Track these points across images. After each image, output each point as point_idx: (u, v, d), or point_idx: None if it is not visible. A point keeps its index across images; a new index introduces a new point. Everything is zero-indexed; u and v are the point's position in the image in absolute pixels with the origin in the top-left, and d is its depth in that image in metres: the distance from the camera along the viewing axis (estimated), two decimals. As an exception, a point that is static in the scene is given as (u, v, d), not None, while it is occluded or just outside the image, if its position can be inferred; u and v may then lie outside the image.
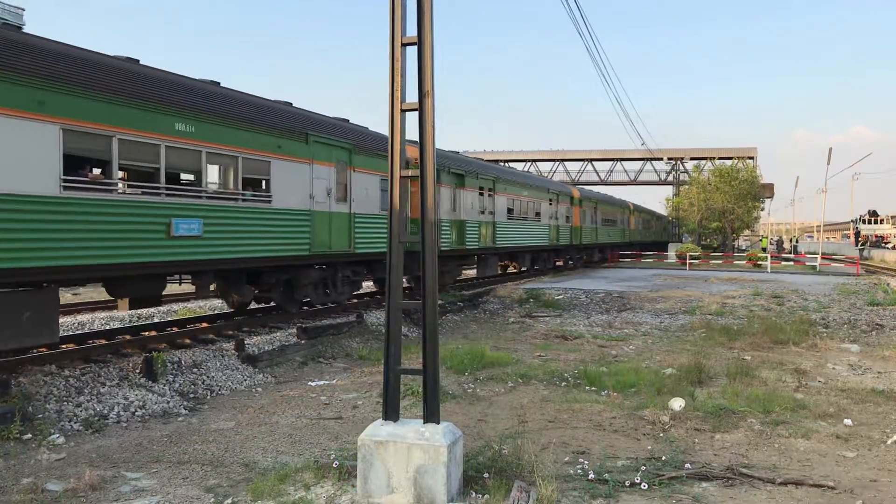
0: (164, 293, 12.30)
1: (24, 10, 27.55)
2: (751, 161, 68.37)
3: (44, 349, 10.21)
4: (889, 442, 6.99)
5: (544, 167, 76.25)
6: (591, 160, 75.82)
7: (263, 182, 12.49)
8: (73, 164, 9.05)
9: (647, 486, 5.62)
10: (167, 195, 10.33)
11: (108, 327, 13.24)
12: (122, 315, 14.87)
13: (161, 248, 10.21)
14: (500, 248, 24.54)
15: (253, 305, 15.16)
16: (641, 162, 73.16)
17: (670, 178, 74.13)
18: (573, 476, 5.91)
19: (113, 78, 9.63)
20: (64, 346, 10.66)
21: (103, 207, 9.36)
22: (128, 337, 11.70)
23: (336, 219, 14.40)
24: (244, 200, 11.93)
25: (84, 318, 14.42)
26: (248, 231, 11.93)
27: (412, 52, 5.47)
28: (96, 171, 9.79)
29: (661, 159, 71.49)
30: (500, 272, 28.73)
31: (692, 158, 71.41)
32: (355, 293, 16.95)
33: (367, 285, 20.48)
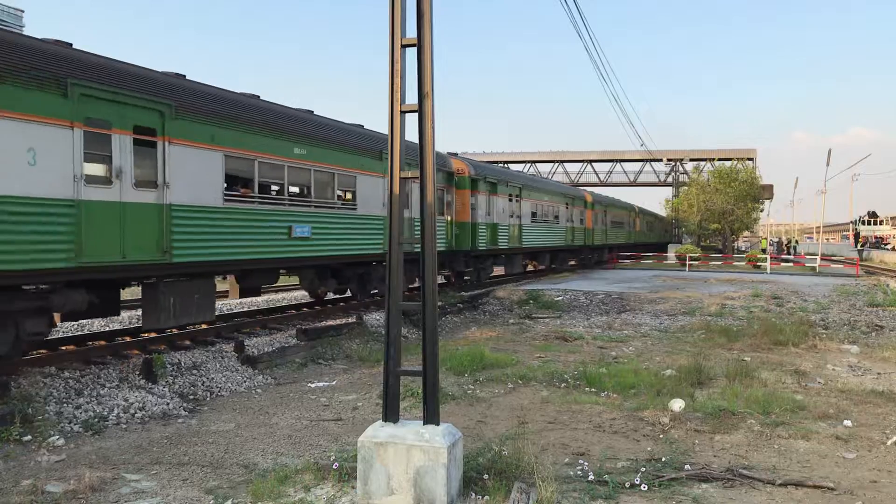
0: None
1: (23, 11, 27.52)
2: (750, 162, 68.21)
3: (43, 350, 10.23)
4: (889, 443, 6.99)
5: (544, 168, 76.12)
6: (591, 161, 75.73)
7: (350, 193, 15.07)
8: (229, 182, 11.68)
9: (646, 488, 5.63)
10: (289, 205, 12.96)
11: (107, 329, 13.23)
12: (122, 317, 14.81)
13: (284, 247, 12.80)
14: (526, 247, 27.24)
15: (329, 296, 17.76)
16: (641, 163, 73.04)
17: (669, 179, 74.07)
18: (573, 477, 5.91)
19: (255, 114, 12.25)
20: (63, 348, 10.68)
21: (248, 215, 11.92)
22: (127, 338, 11.70)
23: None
24: (338, 209, 14.50)
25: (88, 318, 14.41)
26: (340, 233, 14.61)
27: (412, 53, 5.47)
28: (238, 186, 11.95)
29: (661, 160, 71.35)
30: (522, 271, 30.16)
31: (691, 159, 71.29)
32: (411, 286, 18.80)
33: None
